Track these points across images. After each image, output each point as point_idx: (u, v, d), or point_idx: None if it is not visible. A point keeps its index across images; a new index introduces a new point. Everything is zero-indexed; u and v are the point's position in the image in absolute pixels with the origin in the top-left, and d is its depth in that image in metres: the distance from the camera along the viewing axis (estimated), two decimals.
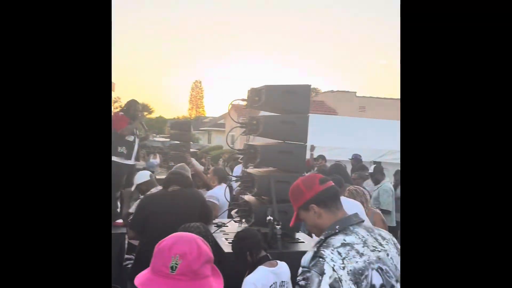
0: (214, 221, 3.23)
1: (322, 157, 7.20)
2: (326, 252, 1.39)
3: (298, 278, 1.41)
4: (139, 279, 1.13)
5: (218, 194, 3.77)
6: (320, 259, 1.38)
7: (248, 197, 2.83)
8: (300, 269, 1.42)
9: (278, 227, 2.33)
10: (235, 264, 2.24)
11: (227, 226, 3.10)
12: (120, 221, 3.88)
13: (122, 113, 4.44)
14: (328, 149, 7.80)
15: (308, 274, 1.38)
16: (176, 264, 1.10)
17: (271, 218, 2.43)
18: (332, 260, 1.36)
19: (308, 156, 7.35)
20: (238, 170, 5.04)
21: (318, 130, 7.43)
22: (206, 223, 2.65)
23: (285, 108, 2.80)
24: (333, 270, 1.34)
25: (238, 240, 2.26)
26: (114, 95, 11.75)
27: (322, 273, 1.34)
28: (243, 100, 2.88)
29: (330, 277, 1.33)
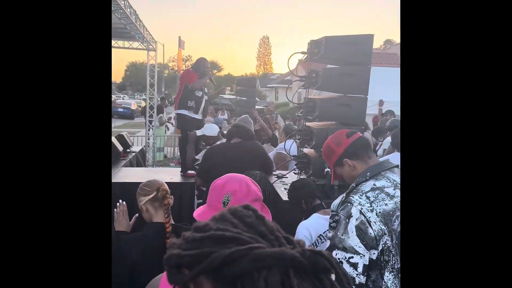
0: (274, 173, 3.41)
1: (390, 112, 6.71)
2: (354, 197, 1.49)
3: (329, 220, 1.54)
4: (197, 212, 1.26)
5: (288, 147, 3.84)
6: (348, 203, 1.48)
7: (307, 150, 2.87)
8: (331, 213, 1.56)
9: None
10: (291, 211, 2.40)
11: (287, 177, 3.25)
12: (192, 172, 4.19)
13: (192, 69, 4.53)
14: (398, 104, 7.31)
15: (336, 217, 1.49)
16: (228, 200, 1.20)
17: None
18: (360, 204, 1.46)
19: (376, 111, 7.36)
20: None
21: (388, 84, 7.01)
22: (266, 174, 2.66)
23: (346, 60, 2.74)
24: (361, 213, 1.44)
25: (293, 189, 2.36)
26: (184, 53, 9.35)
27: (349, 216, 1.45)
28: (303, 53, 2.81)
29: (356, 219, 1.44)
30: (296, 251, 0.48)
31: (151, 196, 1.79)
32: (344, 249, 1.43)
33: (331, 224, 1.52)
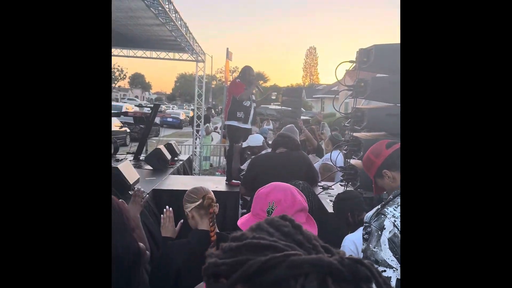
0: (320, 184, 3.36)
1: None
2: (389, 209, 1.44)
3: (362, 232, 1.50)
4: (241, 220, 1.25)
5: (334, 157, 3.68)
6: (382, 215, 1.44)
7: (354, 161, 2.78)
8: (364, 224, 1.51)
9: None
10: (337, 224, 2.32)
11: (332, 189, 3.23)
12: (237, 181, 4.29)
13: (238, 80, 4.55)
14: None
15: (368, 229, 1.45)
16: (272, 209, 1.17)
17: None
18: (394, 216, 1.41)
19: None
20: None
21: None
22: (311, 184, 2.65)
23: (396, 68, 2.42)
24: (394, 225, 1.40)
25: (339, 201, 2.30)
26: (231, 64, 11.01)
27: (381, 228, 1.40)
28: (351, 62, 2.76)
29: (389, 232, 1.38)
30: (334, 258, 0.47)
31: (197, 203, 1.81)
32: (376, 262, 1.38)
33: (364, 236, 1.48)
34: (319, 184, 3.48)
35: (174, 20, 5.83)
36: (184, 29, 6.96)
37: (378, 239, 1.40)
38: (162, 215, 2.02)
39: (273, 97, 5.22)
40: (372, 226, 1.45)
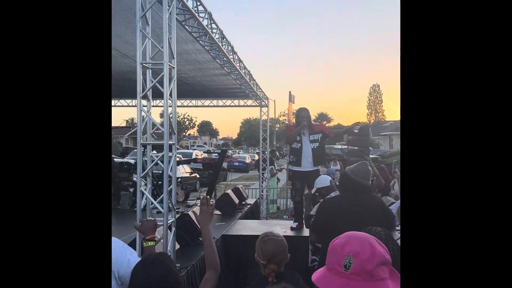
0: (397, 228, 3.07)
1: None
2: None
3: None
4: (315, 275, 1.13)
5: None
6: None
7: None
8: None
9: None
10: None
11: None
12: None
13: (294, 123, 4.68)
14: None
15: None
16: (350, 263, 1.06)
17: None
18: None
19: None
20: None
21: None
22: (388, 229, 2.47)
23: None
24: None
25: None
26: (294, 107, 10.70)
27: None
28: None
29: None
30: None
31: (263, 263, 1.79)
32: None
33: None
34: (397, 228, 3.20)
35: (238, 68, 6.07)
36: (248, 76, 7.21)
37: None
38: (200, 200, 2.05)
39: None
40: None
